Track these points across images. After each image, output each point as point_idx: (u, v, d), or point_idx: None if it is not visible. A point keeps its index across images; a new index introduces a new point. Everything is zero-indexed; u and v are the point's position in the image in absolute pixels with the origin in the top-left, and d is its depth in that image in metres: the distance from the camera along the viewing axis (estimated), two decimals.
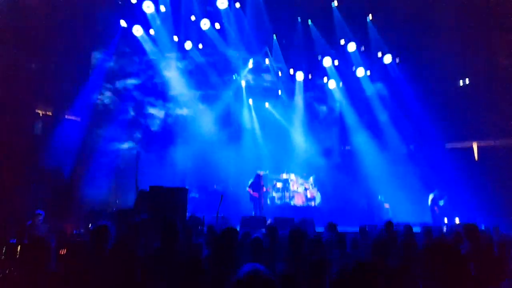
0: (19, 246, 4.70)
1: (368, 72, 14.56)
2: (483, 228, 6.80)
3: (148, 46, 12.21)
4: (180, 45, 12.86)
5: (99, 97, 10.69)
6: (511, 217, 9.41)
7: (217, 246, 3.57)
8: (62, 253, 4.72)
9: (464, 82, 13.88)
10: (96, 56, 10.95)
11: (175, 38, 12.74)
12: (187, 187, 7.24)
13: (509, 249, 4.49)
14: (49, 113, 8.56)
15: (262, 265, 1.46)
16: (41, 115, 8.48)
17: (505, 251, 4.42)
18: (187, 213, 6.73)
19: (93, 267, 3.21)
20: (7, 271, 4.31)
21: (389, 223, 5.99)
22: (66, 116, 8.87)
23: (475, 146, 13.28)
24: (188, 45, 12.84)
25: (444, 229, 8.05)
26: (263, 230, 6.80)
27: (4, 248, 4.67)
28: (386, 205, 12.33)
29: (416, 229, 6.40)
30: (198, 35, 13.09)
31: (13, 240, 5.02)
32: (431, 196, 11.20)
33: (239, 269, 1.44)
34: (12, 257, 4.55)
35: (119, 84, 11.37)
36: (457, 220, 9.66)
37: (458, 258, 1.85)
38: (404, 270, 2.53)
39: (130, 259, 3.12)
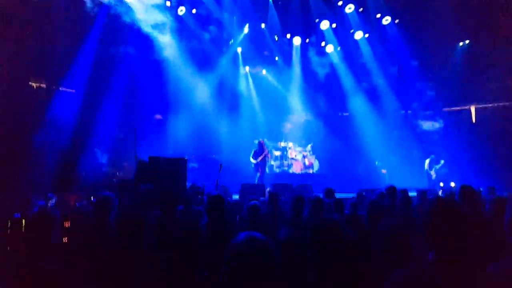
0: (24, 219, 4.80)
1: (367, 35, 14.23)
2: (479, 190, 6.93)
3: (140, 12, 11.79)
4: (173, 11, 12.43)
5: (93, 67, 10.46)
6: (508, 179, 9.59)
7: (208, 213, 3.70)
8: (66, 225, 4.83)
9: (464, 43, 13.64)
10: (88, 24, 10.58)
11: (168, 3, 12.29)
12: (186, 157, 7.28)
13: (503, 208, 4.57)
14: (43, 85, 8.40)
15: (260, 232, 1.48)
16: (35, 87, 8.33)
17: (498, 210, 4.51)
18: (187, 183, 6.82)
19: (97, 238, 3.29)
20: (13, 244, 4.43)
21: (391, 188, 5.75)
22: (60, 88, 8.72)
23: (473, 109, 13.27)
24: (181, 10, 12.42)
25: (440, 192, 8.22)
26: (262, 198, 6.94)
27: (9, 222, 4.76)
28: (383, 171, 12.52)
29: (412, 194, 6.53)
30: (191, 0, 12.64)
31: (17, 214, 5.11)
32: (427, 161, 11.34)
33: (235, 236, 1.45)
34: (18, 230, 4.65)
35: (112, 53, 11.09)
36: (452, 184, 9.85)
37: (460, 215, 1.85)
38: (400, 230, 2.60)
39: (136, 229, 3.18)
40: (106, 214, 3.70)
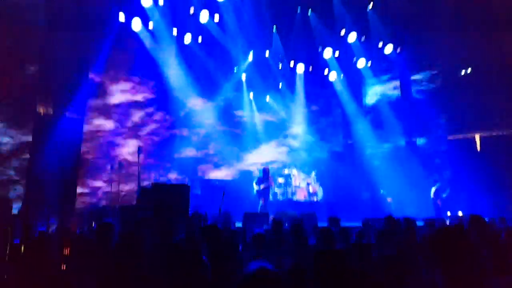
0: (23, 246, 4.71)
1: (369, 63, 14.45)
2: (488, 220, 6.78)
3: (147, 40, 12.12)
4: (179, 39, 12.77)
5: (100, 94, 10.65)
6: None
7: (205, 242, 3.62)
8: (67, 252, 4.71)
9: (466, 71, 13.79)
10: (96, 51, 10.84)
11: (174, 32, 12.64)
12: (189, 184, 7.24)
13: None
14: (50, 112, 8.53)
15: (266, 261, 1.49)
16: (42, 113, 8.45)
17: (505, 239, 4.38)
18: (190, 210, 6.74)
19: (98, 265, 3.22)
20: (11, 271, 4.33)
21: (389, 217, 5.93)
22: (66, 115, 8.84)
23: (477, 137, 13.22)
24: (187, 38, 12.75)
25: (447, 222, 8.05)
26: (266, 226, 6.83)
27: (8, 248, 4.67)
28: (389, 199, 12.34)
29: (419, 223, 6.39)
30: (197, 28, 12.99)
31: (17, 240, 5.03)
32: (433, 189, 11.21)
33: (244, 266, 1.47)
34: (16, 257, 4.56)
35: (118, 80, 11.32)
36: (460, 213, 9.66)
37: (466, 244, 1.82)
38: (401, 256, 2.55)
39: (136, 256, 3.13)
40: (107, 241, 3.65)
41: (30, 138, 8.20)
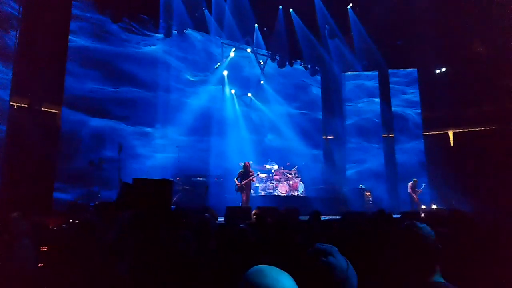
0: None
1: (348, 60, 14.75)
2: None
3: (126, 33, 11.88)
4: (161, 33, 12.57)
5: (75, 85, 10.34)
6: (486, 203, 9.81)
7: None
8: (44, 250, 4.59)
9: (441, 70, 14.26)
10: (73, 39, 10.47)
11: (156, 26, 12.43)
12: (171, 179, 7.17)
13: (489, 230, 4.64)
14: (25, 105, 8.21)
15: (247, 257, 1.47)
16: (15, 107, 8.14)
17: (486, 232, 4.56)
18: (172, 206, 6.69)
19: (76, 264, 3.17)
20: None
21: (381, 211, 5.89)
22: (42, 108, 8.55)
23: (451, 133, 13.70)
24: (168, 33, 12.58)
25: (422, 215, 8.32)
26: (248, 221, 6.85)
27: None
28: (367, 193, 12.64)
29: (396, 216, 6.58)
30: (179, 24, 12.83)
31: None
32: (410, 184, 11.56)
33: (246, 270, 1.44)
34: None
35: (96, 71, 11.04)
36: (434, 207, 10.02)
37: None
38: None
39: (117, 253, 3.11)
40: (87, 240, 3.59)
41: (3, 134, 7.91)
